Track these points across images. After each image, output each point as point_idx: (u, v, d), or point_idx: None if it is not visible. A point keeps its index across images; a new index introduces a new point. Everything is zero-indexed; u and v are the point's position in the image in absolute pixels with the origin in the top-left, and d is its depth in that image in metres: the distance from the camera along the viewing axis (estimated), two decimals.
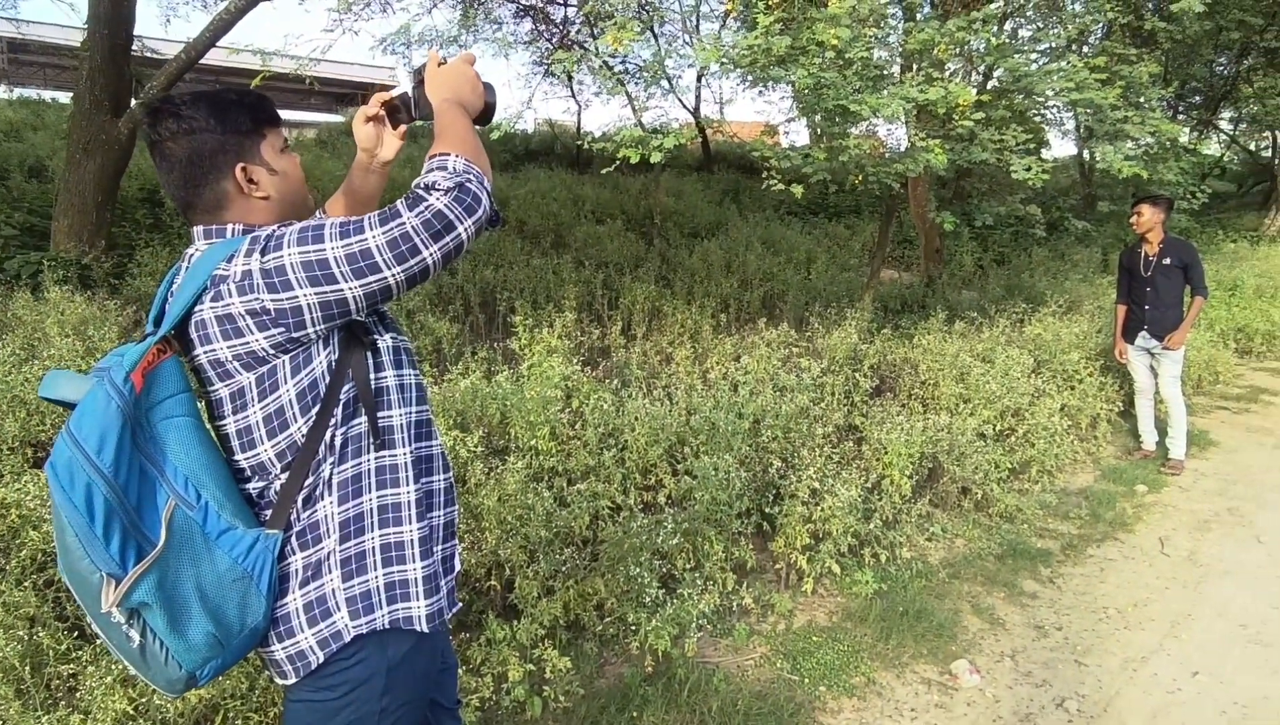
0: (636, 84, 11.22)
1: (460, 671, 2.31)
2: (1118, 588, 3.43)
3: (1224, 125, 17.36)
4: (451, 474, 1.38)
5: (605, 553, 2.82)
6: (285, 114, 19.13)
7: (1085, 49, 5.60)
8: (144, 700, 1.91)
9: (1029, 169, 3.79)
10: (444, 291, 6.36)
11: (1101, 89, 3.87)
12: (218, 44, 5.43)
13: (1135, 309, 4.85)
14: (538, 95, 17.80)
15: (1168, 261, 4.68)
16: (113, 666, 1.93)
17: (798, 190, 3.64)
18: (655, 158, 3.22)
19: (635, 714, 2.44)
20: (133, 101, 5.90)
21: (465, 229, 1.15)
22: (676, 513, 2.93)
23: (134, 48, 6.22)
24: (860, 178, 4.02)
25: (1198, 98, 15.52)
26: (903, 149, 5.11)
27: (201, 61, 5.54)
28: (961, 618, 3.14)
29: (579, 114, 15.37)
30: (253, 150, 1.25)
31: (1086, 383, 5.10)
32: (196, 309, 1.14)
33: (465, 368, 4.24)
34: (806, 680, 2.71)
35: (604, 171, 3.97)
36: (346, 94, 19.54)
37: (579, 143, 3.74)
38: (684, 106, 14.96)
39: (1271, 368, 7.71)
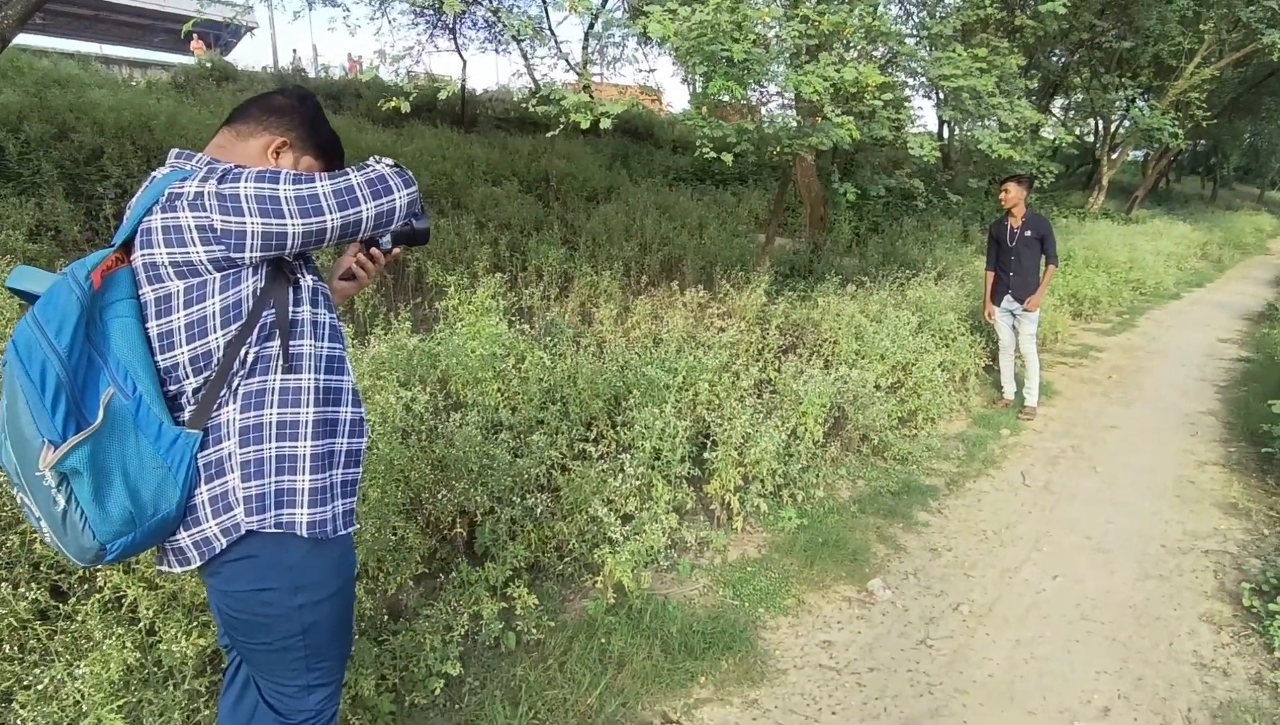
0: (525, 40, 11.06)
1: (444, 609, 2.44)
2: (992, 514, 3.99)
3: (1056, 111, 19.34)
4: (363, 410, 1.53)
5: (564, 497, 3.00)
6: (129, 52, 17.25)
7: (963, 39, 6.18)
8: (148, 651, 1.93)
9: (922, 146, 4.22)
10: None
11: (981, 77, 4.35)
12: None
13: (1001, 275, 5.49)
14: (415, 48, 16.94)
15: (1028, 233, 5.32)
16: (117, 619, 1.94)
17: (728, 158, 3.88)
18: (605, 124, 3.35)
19: (604, 640, 2.66)
20: None
21: (400, 197, 1.42)
22: (629, 459, 3.14)
23: None
24: (778, 150, 4.32)
25: (1036, 85, 17.20)
26: (791, 124, 5.47)
27: None
28: (870, 545, 3.58)
29: (464, 70, 14.92)
30: (304, 150, 1.51)
31: (960, 341, 5.74)
32: (146, 220, 1.29)
33: (390, 328, 4.22)
34: (747, 604, 3.04)
35: (549, 135, 4.03)
36: (202, 33, 17.84)
37: (529, 103, 3.76)
38: (571, 68, 14.87)
39: (1097, 328, 8.88)
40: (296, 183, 1.32)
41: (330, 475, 1.44)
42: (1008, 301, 5.47)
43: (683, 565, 3.23)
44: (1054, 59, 15.42)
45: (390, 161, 1.44)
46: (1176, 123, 8.40)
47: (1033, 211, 5.45)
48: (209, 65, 14.61)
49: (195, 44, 16.32)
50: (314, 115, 1.54)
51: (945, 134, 14.52)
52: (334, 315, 1.50)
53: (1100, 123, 17.62)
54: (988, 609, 3.12)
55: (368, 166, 1.42)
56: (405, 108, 3.44)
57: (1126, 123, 16.47)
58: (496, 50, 14.67)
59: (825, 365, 4.77)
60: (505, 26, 5.06)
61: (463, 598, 2.65)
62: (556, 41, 12.89)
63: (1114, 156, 16.74)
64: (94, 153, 7.52)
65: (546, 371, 3.71)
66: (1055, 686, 2.66)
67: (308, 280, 1.43)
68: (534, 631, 2.65)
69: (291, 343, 1.39)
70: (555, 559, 2.98)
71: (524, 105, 3.92)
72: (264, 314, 1.35)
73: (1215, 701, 2.60)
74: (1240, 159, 29.63)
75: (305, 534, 1.39)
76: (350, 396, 1.49)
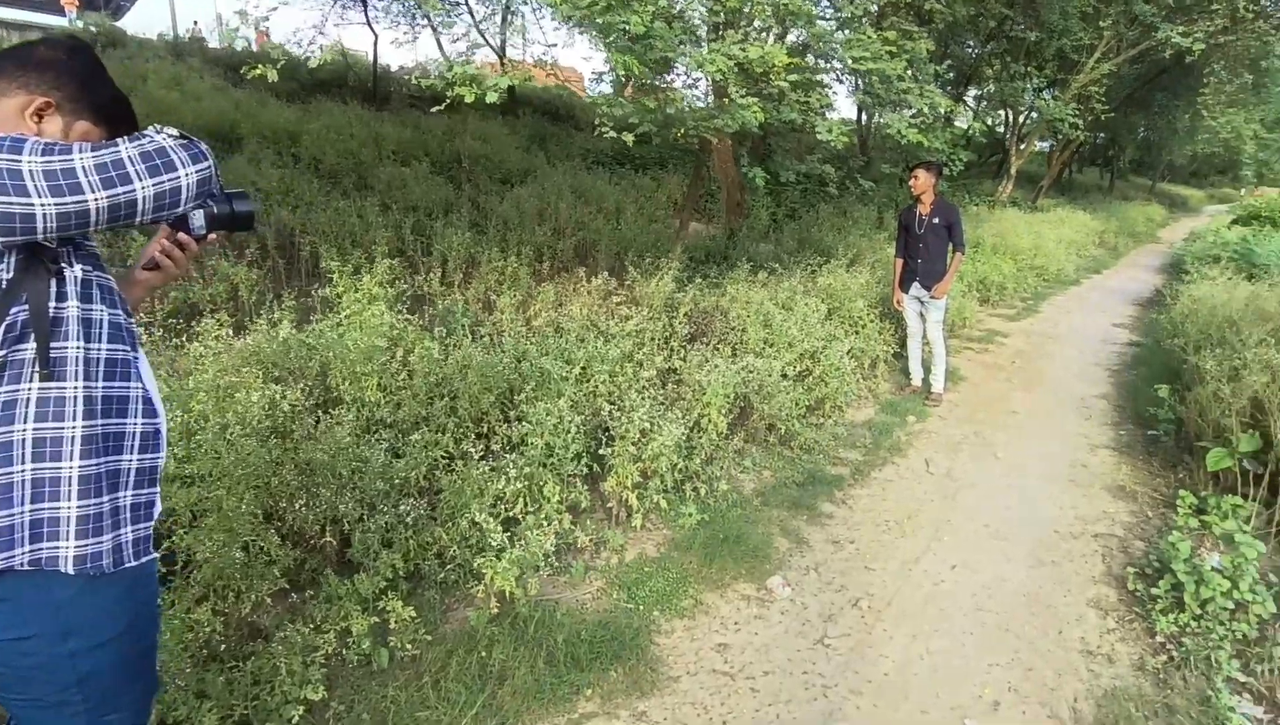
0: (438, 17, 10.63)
1: (304, 629, 2.22)
2: (896, 503, 3.98)
3: (970, 101, 19.93)
4: (160, 421, 1.33)
5: (444, 501, 2.80)
6: (5, 12, 15.84)
7: (875, 23, 6.19)
8: None
9: (830, 130, 4.15)
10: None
11: (891, 61, 4.30)
12: None
13: (910, 262, 5.51)
14: (328, 20, 16.09)
15: (937, 220, 5.35)
16: None
17: (629, 138, 3.71)
18: (491, 98, 3.12)
19: (484, 654, 2.49)
20: None
21: (185, 174, 1.19)
22: (516, 458, 2.95)
23: None
24: (682, 132, 4.18)
25: (951, 74, 17.66)
26: (700, 105, 5.35)
27: None
28: (773, 539, 3.50)
29: (375, 44, 14.31)
30: (77, 113, 1.27)
31: (869, 328, 5.75)
32: None
33: (271, 318, 3.91)
34: (641, 607, 2.91)
35: (433, 110, 3.76)
36: None
37: (413, 76, 3.50)
38: (490, 45, 14.38)
39: (1003, 314, 9.13)
40: (46, 154, 1.09)
41: (113, 499, 1.24)
42: (916, 288, 5.50)
43: (576, 567, 3.08)
44: (968, 49, 15.84)
45: (175, 131, 1.21)
46: (1078, 114, 8.68)
47: (942, 199, 5.47)
48: (94, 30, 13.48)
49: (67, 1, 14.94)
50: (88, 71, 1.30)
51: (863, 120, 14.73)
52: (118, 311, 1.29)
53: (1010, 113, 18.22)
54: (886, 603, 3.08)
55: (144, 137, 1.19)
56: (272, 76, 3.14)
57: (1034, 114, 17.09)
58: (411, 24, 14.06)
59: (732, 354, 4.68)
60: (430, 8, 4.73)
61: (330, 613, 2.43)
62: (472, 13, 12.43)
63: (1022, 147, 17.34)
64: None
65: (435, 364, 3.48)
66: (949, 682, 2.63)
67: (75, 270, 1.22)
68: (409, 647, 2.45)
69: (53, 345, 1.18)
70: (437, 566, 2.78)
71: (413, 80, 3.66)
72: (13, 311, 1.15)
73: (1100, 690, 2.62)
74: (1135, 152, 31.19)
75: (72, 570, 1.19)
76: (141, 406, 1.30)
